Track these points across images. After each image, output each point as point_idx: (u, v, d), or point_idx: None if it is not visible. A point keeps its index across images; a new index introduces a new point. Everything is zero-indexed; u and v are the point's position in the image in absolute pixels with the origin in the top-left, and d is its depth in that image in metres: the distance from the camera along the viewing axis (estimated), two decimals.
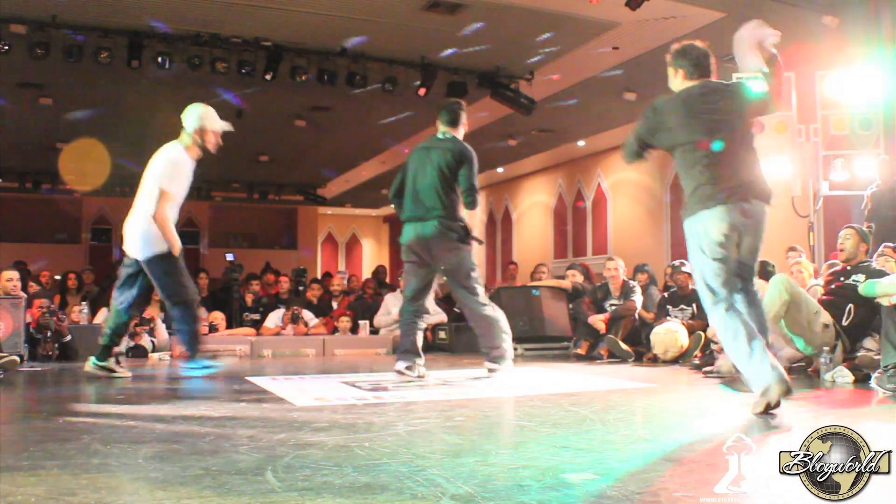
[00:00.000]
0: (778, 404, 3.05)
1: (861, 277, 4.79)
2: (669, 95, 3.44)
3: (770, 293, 4.61)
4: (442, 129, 5.04)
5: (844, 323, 4.70)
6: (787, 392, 3.04)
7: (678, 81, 3.45)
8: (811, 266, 5.84)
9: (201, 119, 4.87)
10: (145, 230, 4.76)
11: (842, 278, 4.93)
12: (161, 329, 7.58)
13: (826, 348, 4.63)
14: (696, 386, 4.60)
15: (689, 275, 6.99)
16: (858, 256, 4.95)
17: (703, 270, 3.24)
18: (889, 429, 3.07)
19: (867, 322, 4.64)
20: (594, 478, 2.03)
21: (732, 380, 4.47)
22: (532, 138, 12.12)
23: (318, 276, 11.78)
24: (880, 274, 4.78)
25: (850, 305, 4.67)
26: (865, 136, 7.21)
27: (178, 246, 4.77)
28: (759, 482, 1.96)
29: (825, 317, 4.70)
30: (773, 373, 3.02)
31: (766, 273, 5.94)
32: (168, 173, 4.76)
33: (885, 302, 4.13)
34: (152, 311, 7.72)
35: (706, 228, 3.20)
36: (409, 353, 4.86)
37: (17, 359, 5.61)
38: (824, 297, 4.92)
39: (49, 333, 6.59)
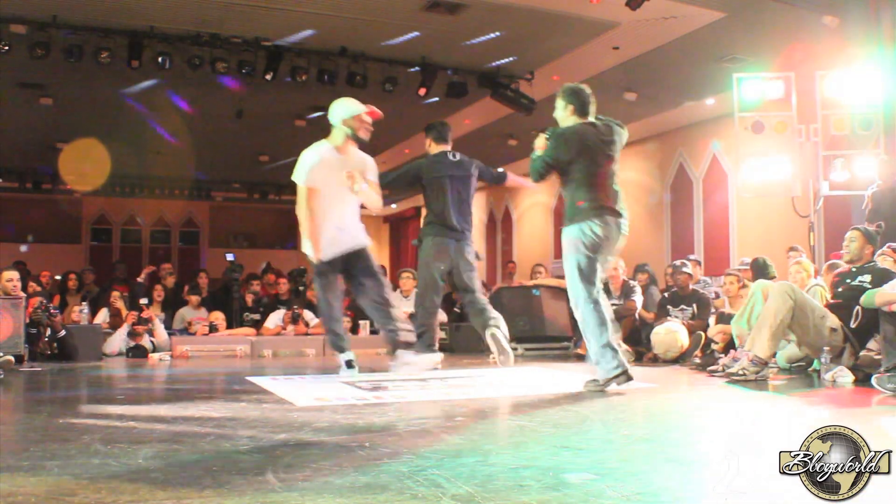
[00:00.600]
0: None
1: (867, 278, 4.73)
2: (571, 128, 4.20)
3: (775, 301, 4.57)
4: (447, 148, 5.55)
5: (853, 325, 4.61)
6: (629, 380, 3.96)
7: (566, 114, 4.25)
8: (811, 266, 5.82)
9: (344, 109, 5.03)
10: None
11: (848, 280, 4.86)
12: (160, 329, 7.59)
13: (826, 348, 4.61)
14: (696, 386, 4.60)
15: (690, 275, 7.00)
16: (864, 258, 4.88)
17: (583, 267, 4.09)
18: (889, 429, 3.07)
19: (875, 323, 4.60)
20: (594, 478, 2.03)
21: (746, 380, 4.48)
22: (532, 138, 12.06)
23: None
24: (886, 273, 4.75)
25: (858, 307, 4.58)
26: (865, 136, 7.21)
27: (317, 249, 4.89)
28: (759, 482, 1.97)
29: (832, 320, 4.63)
30: (621, 363, 3.93)
31: (765, 272, 5.94)
32: (299, 170, 5.01)
33: (885, 308, 4.12)
34: (151, 312, 7.74)
35: (593, 232, 4.04)
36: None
37: (12, 359, 5.64)
38: (832, 301, 4.88)
39: (48, 332, 6.58)
